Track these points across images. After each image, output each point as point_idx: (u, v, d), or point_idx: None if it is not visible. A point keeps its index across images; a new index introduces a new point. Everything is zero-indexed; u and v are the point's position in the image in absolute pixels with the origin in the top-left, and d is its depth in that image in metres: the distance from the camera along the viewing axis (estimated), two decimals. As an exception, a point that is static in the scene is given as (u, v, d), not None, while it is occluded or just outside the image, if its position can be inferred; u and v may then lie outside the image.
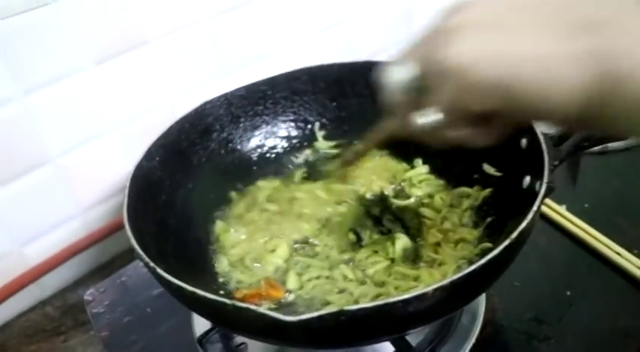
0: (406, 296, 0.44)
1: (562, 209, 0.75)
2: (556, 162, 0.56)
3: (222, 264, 0.65)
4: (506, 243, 0.47)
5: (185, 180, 0.69)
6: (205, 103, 0.72)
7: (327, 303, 0.60)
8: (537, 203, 0.51)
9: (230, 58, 0.86)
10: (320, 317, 0.43)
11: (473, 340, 0.62)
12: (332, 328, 0.44)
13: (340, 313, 0.43)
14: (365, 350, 0.62)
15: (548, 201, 0.76)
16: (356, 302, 0.59)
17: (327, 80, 0.76)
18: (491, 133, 0.45)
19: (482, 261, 0.46)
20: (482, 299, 0.65)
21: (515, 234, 0.48)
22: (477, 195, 0.67)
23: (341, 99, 0.77)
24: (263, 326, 0.46)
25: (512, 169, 0.63)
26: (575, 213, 0.75)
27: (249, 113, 0.75)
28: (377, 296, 0.59)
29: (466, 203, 0.68)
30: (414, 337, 0.60)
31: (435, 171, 0.73)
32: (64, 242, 0.81)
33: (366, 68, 0.73)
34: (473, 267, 0.45)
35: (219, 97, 0.72)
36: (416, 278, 0.61)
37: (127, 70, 0.78)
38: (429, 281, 0.60)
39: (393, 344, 0.58)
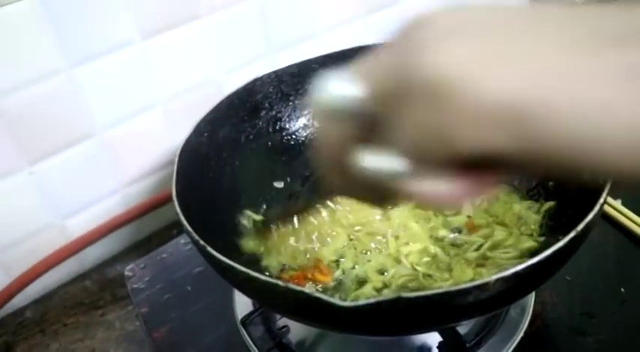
0: (468, 285, 0.42)
1: (617, 203, 0.72)
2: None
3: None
4: (572, 235, 0.45)
5: (232, 157, 0.68)
6: (255, 80, 0.70)
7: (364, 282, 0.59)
8: (604, 195, 0.48)
9: (279, 36, 0.84)
10: (377, 303, 0.42)
11: (521, 333, 0.60)
12: (387, 315, 0.43)
13: (398, 300, 0.41)
14: (412, 339, 0.60)
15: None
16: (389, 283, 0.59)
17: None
18: (482, 187, 0.29)
19: (547, 252, 0.44)
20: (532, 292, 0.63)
21: (581, 226, 0.46)
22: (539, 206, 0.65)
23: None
24: (314, 310, 0.44)
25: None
26: (631, 207, 0.71)
27: (300, 91, 0.73)
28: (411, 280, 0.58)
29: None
30: (461, 328, 0.58)
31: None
32: (105, 216, 0.81)
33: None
34: (537, 259, 0.43)
35: (269, 74, 0.71)
36: (449, 270, 0.59)
37: (175, 44, 0.76)
38: (462, 277, 0.58)
39: (441, 333, 0.56)
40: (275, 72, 0.71)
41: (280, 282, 0.44)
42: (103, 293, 0.79)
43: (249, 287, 0.48)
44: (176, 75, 0.79)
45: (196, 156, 0.63)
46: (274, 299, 0.47)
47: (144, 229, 0.85)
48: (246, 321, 0.58)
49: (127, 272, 0.73)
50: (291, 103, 0.73)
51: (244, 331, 0.58)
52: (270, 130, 0.72)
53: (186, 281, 0.70)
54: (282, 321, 0.61)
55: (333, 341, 0.62)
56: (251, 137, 0.70)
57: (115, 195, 0.81)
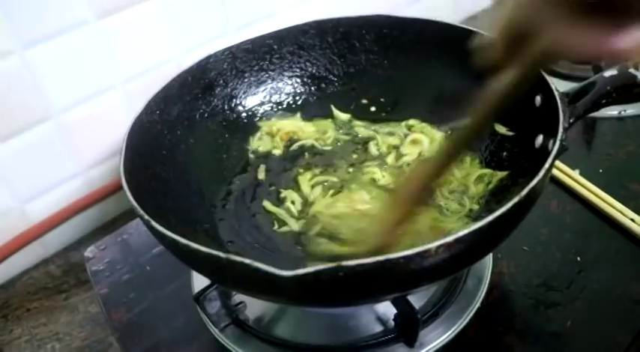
0: (408, 252, 0.41)
1: (575, 173, 0.71)
2: (571, 120, 0.53)
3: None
4: (515, 200, 0.44)
5: (186, 135, 0.67)
6: (209, 57, 0.69)
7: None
8: (549, 161, 0.48)
9: (238, 15, 0.83)
10: (317, 272, 0.41)
11: (478, 304, 0.60)
12: (329, 284, 0.42)
13: (338, 268, 0.41)
14: (369, 312, 0.60)
15: (561, 164, 0.73)
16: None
17: (335, 34, 0.73)
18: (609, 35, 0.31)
19: (489, 218, 0.43)
20: (488, 262, 0.63)
21: (524, 192, 0.45)
22: (491, 175, 0.64)
23: (350, 54, 0.74)
24: (257, 281, 0.43)
25: (525, 128, 0.60)
26: (589, 177, 0.71)
27: (255, 68, 0.72)
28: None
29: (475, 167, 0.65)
30: (417, 298, 0.58)
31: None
32: (67, 200, 0.80)
33: (376, 22, 0.71)
34: (479, 224, 0.43)
35: (223, 51, 0.69)
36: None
37: (131, 24, 0.75)
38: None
39: (395, 305, 0.55)
40: (229, 48, 0.70)
41: (221, 254, 0.43)
42: (66, 278, 0.78)
43: (194, 260, 0.47)
44: (134, 55, 0.77)
45: (148, 135, 0.62)
46: (217, 272, 0.46)
47: (108, 212, 0.84)
48: (200, 298, 0.57)
49: (86, 254, 0.72)
50: (246, 80, 0.72)
51: (199, 307, 0.57)
52: (226, 107, 0.71)
53: (146, 262, 0.70)
54: (238, 297, 0.61)
55: (292, 318, 0.61)
56: (206, 115, 0.69)
57: (76, 179, 0.80)
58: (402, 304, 0.54)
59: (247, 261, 0.42)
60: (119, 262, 0.70)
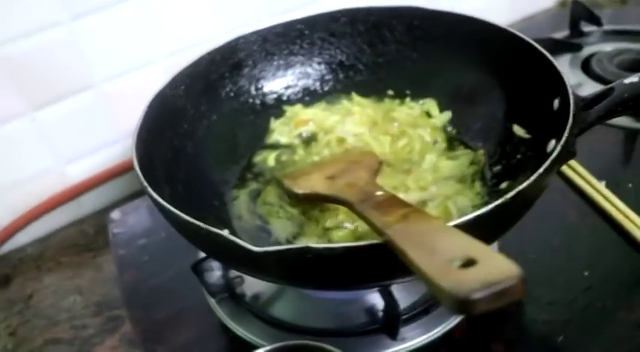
0: (379, 241, 0.41)
1: (600, 185, 0.68)
2: (582, 126, 0.51)
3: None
4: (499, 202, 0.43)
5: (210, 111, 0.68)
6: (239, 38, 0.70)
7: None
8: (545, 165, 0.46)
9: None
10: (286, 250, 0.42)
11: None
12: (297, 264, 0.43)
13: (305, 250, 0.41)
14: (362, 300, 0.60)
15: (585, 173, 0.70)
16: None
17: (366, 23, 0.72)
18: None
19: (466, 217, 0.42)
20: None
21: (510, 195, 0.44)
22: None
23: (380, 44, 0.73)
24: (232, 254, 0.45)
25: (541, 132, 0.58)
26: (616, 191, 0.68)
27: (284, 51, 0.73)
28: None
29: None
30: (408, 294, 0.58)
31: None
32: (104, 165, 0.84)
33: (408, 13, 0.70)
34: (455, 222, 0.42)
35: (253, 33, 0.71)
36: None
37: (172, 2, 0.77)
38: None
39: (382, 297, 0.55)
40: (259, 31, 0.71)
41: (202, 224, 0.45)
42: (97, 237, 0.82)
43: (178, 227, 0.49)
44: (176, 32, 0.80)
45: (171, 108, 0.64)
46: (199, 241, 0.48)
47: (142, 180, 0.88)
48: (196, 267, 0.59)
49: (111, 216, 0.75)
50: (274, 63, 0.73)
51: (196, 276, 0.59)
52: (252, 89, 0.73)
53: (163, 228, 0.72)
54: (237, 271, 0.62)
55: (289, 299, 0.62)
56: (232, 94, 0.71)
57: (115, 145, 0.84)
58: (385, 297, 0.54)
59: (224, 233, 0.44)
60: (139, 227, 0.74)
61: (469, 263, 0.33)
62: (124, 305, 0.66)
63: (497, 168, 0.62)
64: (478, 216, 0.43)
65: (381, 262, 0.42)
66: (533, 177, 0.45)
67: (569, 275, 0.61)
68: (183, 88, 0.65)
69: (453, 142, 0.68)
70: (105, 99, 0.79)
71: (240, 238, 0.59)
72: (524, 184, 0.45)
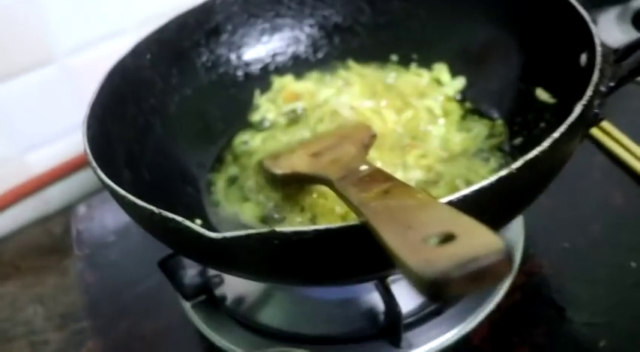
0: (355, 222, 0.40)
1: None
2: (611, 83, 0.49)
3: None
4: (503, 173, 0.42)
5: (183, 85, 0.68)
6: (216, -2, 0.70)
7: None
8: (562, 129, 0.44)
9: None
10: (245, 236, 0.41)
11: (492, 305, 0.57)
12: (263, 252, 0.42)
13: (272, 235, 0.41)
14: (359, 301, 0.59)
15: (632, 146, 0.68)
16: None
17: (365, -24, 0.72)
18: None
19: (461, 193, 0.41)
20: (515, 256, 0.60)
21: (516, 164, 0.42)
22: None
23: (380, 1, 0.72)
24: (189, 242, 0.44)
25: (568, 94, 0.56)
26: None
27: (269, 13, 0.73)
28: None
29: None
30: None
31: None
32: (72, 153, 0.84)
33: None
34: (448, 198, 0.41)
35: (233, -8, 0.70)
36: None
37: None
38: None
39: (380, 294, 0.55)
40: (240, -12, 0.71)
41: (155, 209, 0.45)
42: (65, 237, 0.82)
43: (136, 216, 0.49)
44: (148, -1, 0.80)
45: (134, 80, 0.64)
46: (154, 230, 0.48)
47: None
48: (166, 263, 0.59)
49: (75, 211, 0.76)
50: (259, 26, 0.73)
51: (164, 275, 0.59)
52: (233, 58, 0.72)
53: (134, 223, 0.72)
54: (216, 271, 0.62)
55: (277, 302, 0.61)
56: (209, 64, 0.71)
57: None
58: (384, 295, 0.53)
59: (178, 218, 0.44)
60: (108, 222, 0.74)
61: (448, 239, 0.32)
62: (87, 314, 0.66)
63: (519, 140, 0.61)
64: (477, 192, 0.41)
65: (363, 248, 0.41)
66: (546, 144, 0.43)
67: (613, 268, 0.59)
68: (149, 56, 0.65)
69: (467, 113, 0.67)
70: (69, 75, 0.79)
71: (216, 229, 0.61)
72: (534, 152, 0.43)
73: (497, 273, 0.30)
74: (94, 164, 0.51)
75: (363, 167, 0.48)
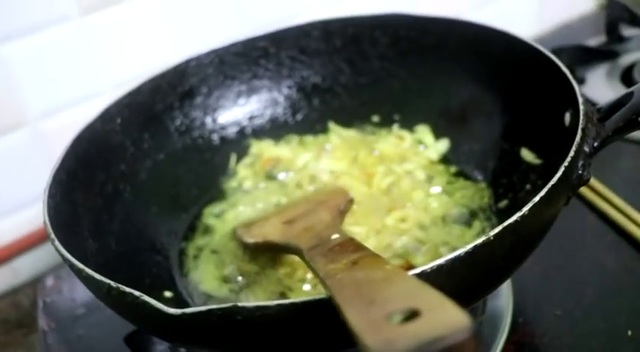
0: (321, 296, 0.39)
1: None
2: (595, 144, 0.49)
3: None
4: (479, 241, 0.40)
5: (155, 150, 0.68)
6: (190, 60, 0.70)
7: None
8: (542, 193, 0.44)
9: (255, 15, 0.84)
10: (206, 311, 0.40)
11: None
12: (227, 329, 0.41)
13: (234, 310, 0.39)
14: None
15: (624, 206, 0.68)
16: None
17: (343, 37, 0.72)
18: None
19: (434, 263, 0.39)
20: (503, 326, 0.58)
21: (494, 232, 0.41)
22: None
23: (361, 61, 0.72)
24: (150, 319, 0.43)
25: (554, 155, 0.55)
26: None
27: (246, 75, 0.72)
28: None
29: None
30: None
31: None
32: (42, 220, 0.82)
33: (392, 22, 0.70)
34: (419, 269, 0.39)
35: (208, 53, 0.70)
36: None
37: (121, 22, 0.77)
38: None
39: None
40: (215, 51, 0.71)
41: (112, 283, 0.43)
42: (33, 311, 0.80)
43: (93, 288, 0.48)
44: (128, 58, 0.79)
45: (103, 145, 0.63)
46: (113, 304, 0.47)
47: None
48: (133, 339, 0.57)
49: (43, 282, 0.74)
50: (235, 89, 0.73)
51: (131, 350, 0.57)
52: (208, 121, 0.72)
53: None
54: None
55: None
56: (183, 128, 0.70)
57: (55, 197, 0.83)
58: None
59: (136, 293, 0.43)
60: (77, 295, 0.72)
61: (412, 316, 0.31)
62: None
63: (504, 202, 0.60)
64: (452, 261, 0.40)
65: (331, 324, 0.40)
66: (526, 208, 0.42)
67: (609, 337, 0.58)
68: (120, 121, 0.65)
69: (450, 176, 0.66)
70: (40, 140, 0.78)
71: (186, 301, 0.59)
72: (514, 217, 0.42)
73: (463, 353, 0.29)
74: (52, 235, 0.50)
75: (335, 236, 0.48)
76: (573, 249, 0.66)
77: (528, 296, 0.61)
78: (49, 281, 0.75)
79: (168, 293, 0.58)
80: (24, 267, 0.83)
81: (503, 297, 0.60)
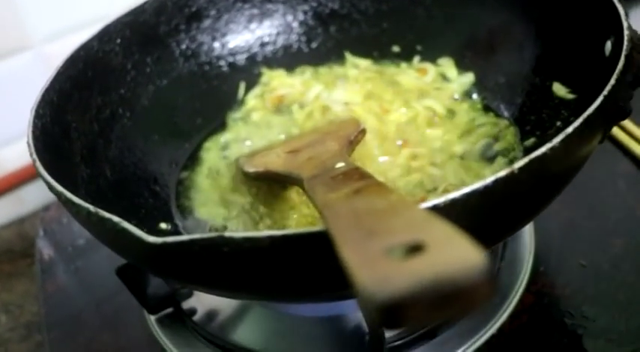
0: (317, 228, 0.34)
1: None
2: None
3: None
4: (501, 174, 0.35)
5: (158, 74, 0.63)
6: (196, -21, 0.65)
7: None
8: (576, 124, 0.38)
9: None
10: (189, 241, 0.35)
11: (492, 330, 0.51)
12: (214, 262, 0.36)
13: (219, 241, 0.34)
14: (344, 321, 0.53)
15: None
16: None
17: (364, -43, 0.67)
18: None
19: (448, 196, 0.34)
20: (522, 274, 0.54)
21: (518, 164, 0.35)
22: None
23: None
24: (131, 247, 0.39)
25: (589, 88, 0.49)
26: None
27: (258, -5, 0.67)
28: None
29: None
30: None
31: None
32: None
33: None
34: (432, 202, 0.34)
35: (219, -28, 0.65)
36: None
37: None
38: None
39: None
40: (226, -31, 0.65)
41: (91, 208, 0.39)
42: (40, 239, 0.78)
43: (74, 214, 0.43)
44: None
45: (101, 66, 0.59)
46: (94, 231, 0.43)
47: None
48: (125, 270, 0.52)
49: (44, 212, 0.71)
50: (246, 12, 0.68)
51: (123, 282, 0.53)
52: (216, 46, 0.67)
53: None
54: (192, 302, 0.57)
55: (253, 318, 0.56)
56: (189, 53, 0.65)
57: (62, 124, 0.80)
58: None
59: (115, 219, 0.39)
60: (77, 225, 0.68)
61: (416, 250, 0.25)
62: (44, 326, 0.60)
63: (530, 140, 0.55)
64: (468, 195, 0.34)
65: (325, 261, 0.35)
66: (557, 140, 0.37)
67: (636, 290, 0.53)
68: (120, 41, 0.60)
69: (474, 112, 0.61)
70: (45, 64, 0.75)
71: (183, 234, 0.55)
72: (542, 149, 0.36)
73: (475, 296, 0.23)
74: (35, 156, 0.46)
75: (339, 164, 0.43)
76: (603, 195, 0.61)
77: (552, 243, 0.57)
78: (51, 211, 0.72)
79: (163, 225, 0.55)
80: (30, 197, 0.81)
81: (525, 243, 0.56)
